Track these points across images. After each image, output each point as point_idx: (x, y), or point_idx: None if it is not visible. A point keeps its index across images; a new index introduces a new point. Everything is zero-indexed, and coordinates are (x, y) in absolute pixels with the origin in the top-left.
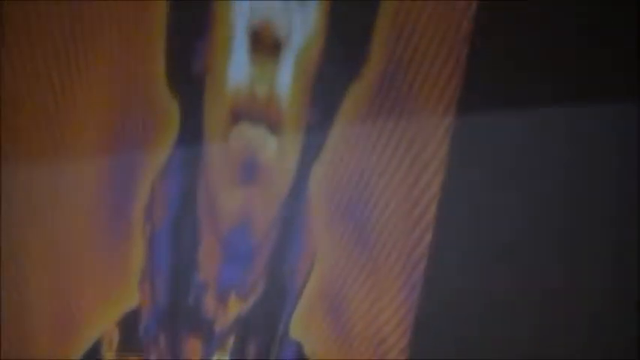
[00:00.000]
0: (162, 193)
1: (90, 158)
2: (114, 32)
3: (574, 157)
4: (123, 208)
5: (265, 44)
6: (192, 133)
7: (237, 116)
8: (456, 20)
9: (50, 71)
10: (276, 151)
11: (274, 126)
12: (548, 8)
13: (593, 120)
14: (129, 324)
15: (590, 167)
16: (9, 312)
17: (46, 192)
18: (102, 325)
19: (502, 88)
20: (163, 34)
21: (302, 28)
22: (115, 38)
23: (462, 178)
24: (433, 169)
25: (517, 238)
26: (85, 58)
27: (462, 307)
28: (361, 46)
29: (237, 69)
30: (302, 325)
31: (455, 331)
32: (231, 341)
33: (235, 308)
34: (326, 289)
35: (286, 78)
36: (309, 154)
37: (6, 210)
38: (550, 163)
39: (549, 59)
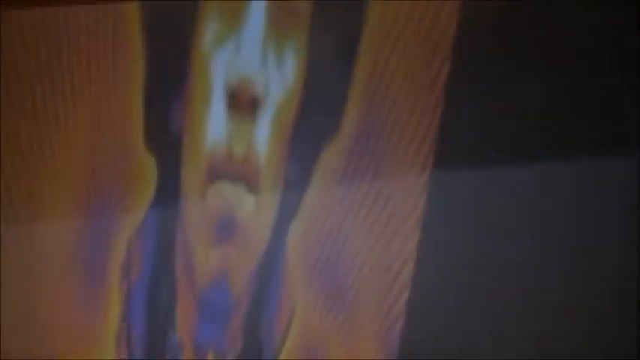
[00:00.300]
0: (138, 250)
1: (67, 215)
2: (92, 92)
3: (553, 212)
4: (99, 267)
5: (242, 101)
6: (169, 191)
7: (214, 174)
8: (430, 79)
9: (28, 130)
10: (254, 209)
11: (252, 184)
12: (522, 67)
13: (575, 176)
14: None
15: (578, 220)
16: None
17: (21, 250)
18: None
19: (478, 145)
20: (140, 93)
21: (279, 85)
22: (92, 98)
23: (439, 236)
24: (410, 227)
25: (496, 297)
26: (64, 117)
27: None
28: (338, 104)
29: (215, 126)
30: None
31: None
32: None
33: None
34: (304, 347)
35: (263, 135)
36: (287, 212)
37: None
38: (526, 219)
39: (522, 118)
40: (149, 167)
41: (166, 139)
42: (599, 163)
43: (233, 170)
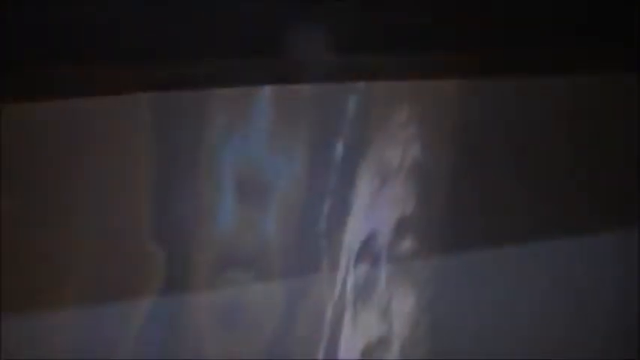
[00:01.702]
0: (147, 341)
1: (76, 307)
2: (102, 185)
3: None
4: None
5: (251, 191)
6: (178, 283)
7: (224, 263)
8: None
9: (37, 225)
10: (263, 297)
11: (261, 272)
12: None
13: (572, 274)
14: None
15: (580, 317)
16: None
17: (27, 344)
18: None
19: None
20: (150, 186)
21: (286, 174)
22: (102, 191)
23: None
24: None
25: None
26: (74, 209)
27: None
28: (346, 188)
29: (224, 216)
30: None
31: None
32: None
33: None
34: None
35: (272, 223)
36: (296, 298)
37: None
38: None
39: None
40: (159, 259)
41: (176, 231)
42: (593, 261)
43: (242, 259)
